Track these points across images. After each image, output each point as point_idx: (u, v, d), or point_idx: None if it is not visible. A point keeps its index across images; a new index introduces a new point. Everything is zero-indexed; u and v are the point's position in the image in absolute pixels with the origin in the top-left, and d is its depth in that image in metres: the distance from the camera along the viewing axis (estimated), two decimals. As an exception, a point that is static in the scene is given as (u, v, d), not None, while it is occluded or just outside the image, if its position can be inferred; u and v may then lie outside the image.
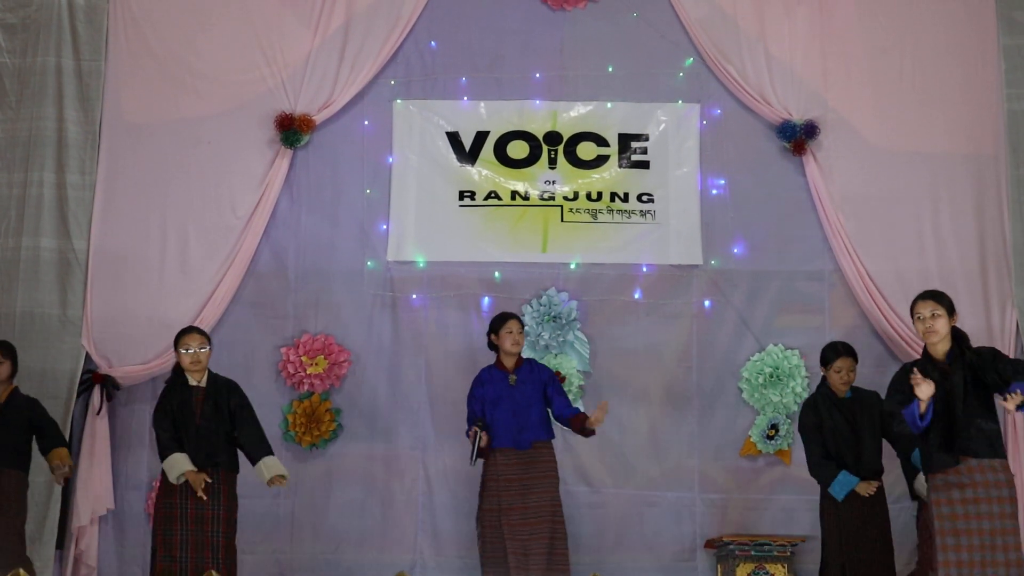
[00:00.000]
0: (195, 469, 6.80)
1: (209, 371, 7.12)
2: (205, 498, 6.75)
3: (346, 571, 7.95)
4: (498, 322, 7.52)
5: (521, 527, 7.18)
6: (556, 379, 7.53)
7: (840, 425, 7.12)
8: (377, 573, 7.81)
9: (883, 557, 7.05)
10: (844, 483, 6.98)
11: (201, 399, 6.99)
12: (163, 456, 6.88)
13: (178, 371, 7.10)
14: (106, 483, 7.88)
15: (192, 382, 7.03)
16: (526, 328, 8.18)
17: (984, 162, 8.28)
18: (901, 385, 6.16)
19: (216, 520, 6.84)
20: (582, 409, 7.59)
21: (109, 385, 7.91)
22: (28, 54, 8.34)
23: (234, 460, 7.02)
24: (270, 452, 7.03)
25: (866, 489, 6.97)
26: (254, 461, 6.98)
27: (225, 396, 7.06)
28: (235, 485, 6.98)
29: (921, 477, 7.12)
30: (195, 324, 7.97)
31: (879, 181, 8.26)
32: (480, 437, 7.15)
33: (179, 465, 6.80)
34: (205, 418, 6.93)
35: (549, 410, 7.44)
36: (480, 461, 7.28)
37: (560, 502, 7.33)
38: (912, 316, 6.29)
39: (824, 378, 7.32)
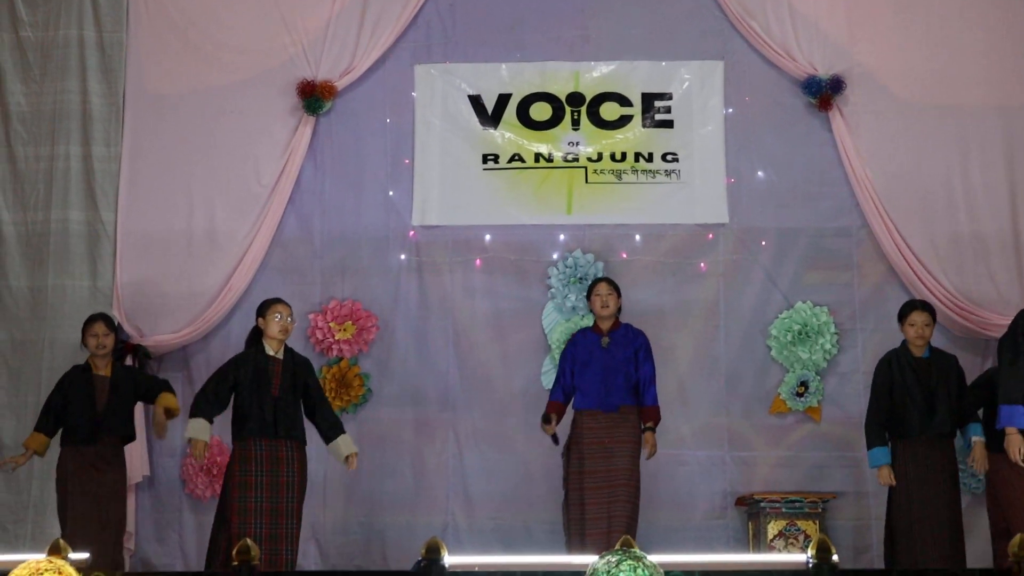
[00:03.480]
0: (207, 442, 6.94)
1: (285, 344, 7.16)
2: (203, 461, 7.17)
3: (378, 534, 8.01)
4: (590, 287, 7.56)
5: (604, 490, 7.16)
6: (648, 346, 7.44)
7: (912, 385, 7.05)
8: (409, 535, 7.84)
9: (952, 517, 6.99)
10: (874, 457, 7.08)
11: (279, 370, 7.02)
12: (194, 414, 6.94)
13: (252, 341, 7.14)
14: (141, 451, 7.94)
15: (270, 351, 7.06)
16: (552, 290, 8.20)
17: (1014, 113, 8.18)
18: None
19: (291, 487, 6.90)
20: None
21: (141, 354, 7.97)
22: (50, 27, 8.37)
23: (304, 432, 7.09)
24: (344, 431, 7.16)
25: (886, 478, 7.01)
26: (329, 440, 7.10)
27: (303, 373, 7.12)
28: (305, 455, 7.05)
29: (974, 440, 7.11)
30: (225, 292, 8.05)
31: (907, 135, 8.19)
32: (554, 437, 7.31)
33: (200, 431, 6.89)
34: (283, 390, 6.98)
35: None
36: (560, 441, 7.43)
37: (638, 468, 7.28)
38: None
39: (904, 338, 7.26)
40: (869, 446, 7.12)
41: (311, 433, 7.18)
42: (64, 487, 7.20)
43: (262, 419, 6.88)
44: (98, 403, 7.27)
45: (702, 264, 8.27)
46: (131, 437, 7.46)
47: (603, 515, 7.13)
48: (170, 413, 7.32)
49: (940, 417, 7.02)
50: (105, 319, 7.49)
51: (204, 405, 6.95)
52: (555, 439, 7.33)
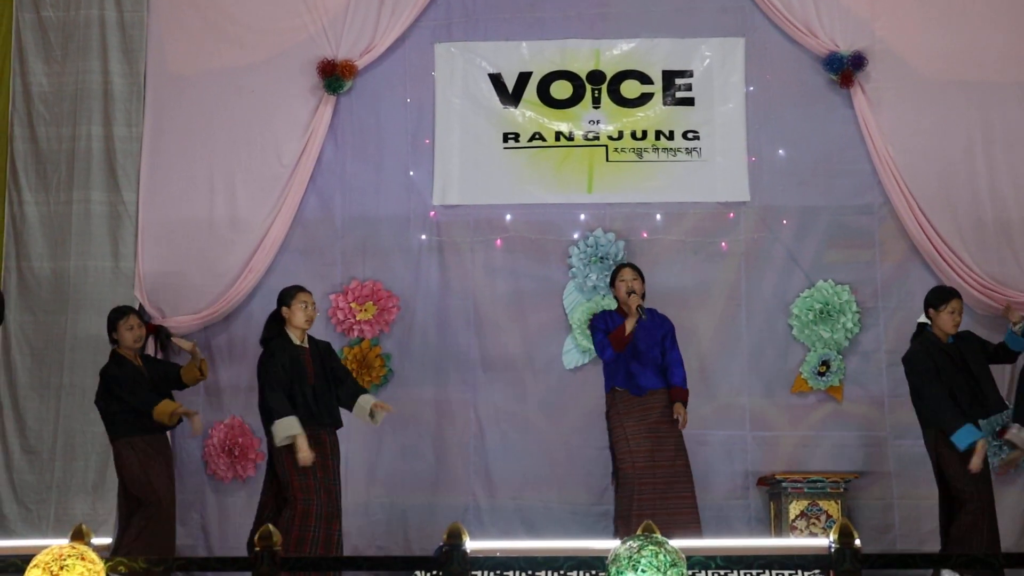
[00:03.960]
0: (304, 433, 6.80)
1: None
2: (310, 461, 6.82)
3: (400, 514, 8.04)
4: (614, 273, 7.53)
5: (648, 471, 7.15)
6: (674, 332, 7.46)
7: (953, 372, 6.99)
8: (431, 516, 7.91)
9: (992, 497, 6.97)
10: (968, 434, 6.78)
11: (309, 359, 7.05)
12: (276, 416, 6.80)
13: (275, 330, 7.09)
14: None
15: (295, 341, 7.06)
16: (573, 270, 8.18)
17: (1037, 90, 8.12)
18: None
19: (336, 471, 6.97)
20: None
21: (163, 336, 8.00)
22: (72, 7, 8.39)
23: (340, 416, 7.14)
24: (366, 391, 7.22)
25: (979, 460, 6.79)
26: (351, 405, 7.09)
27: (328, 357, 7.16)
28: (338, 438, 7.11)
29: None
30: (246, 272, 8.06)
31: (929, 112, 8.13)
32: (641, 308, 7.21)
33: (292, 428, 6.78)
34: (318, 378, 7.00)
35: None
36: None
37: (683, 448, 7.30)
38: None
39: (922, 327, 7.21)
40: (955, 427, 6.79)
41: None
42: (144, 472, 7.14)
43: (306, 408, 6.89)
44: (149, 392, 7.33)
45: (723, 243, 8.24)
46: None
47: (649, 495, 7.11)
48: (203, 371, 7.48)
49: (990, 394, 7.00)
50: (136, 311, 7.54)
51: (280, 406, 6.81)
52: (640, 310, 7.24)
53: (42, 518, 7.81)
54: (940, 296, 7.18)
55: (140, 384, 7.26)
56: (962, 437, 6.80)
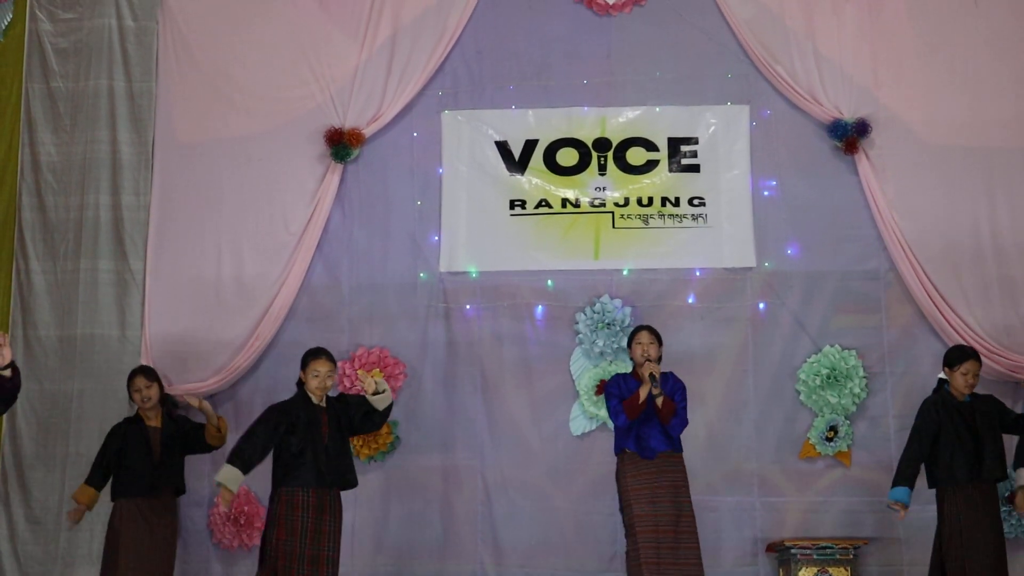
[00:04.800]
0: (235, 494, 6.85)
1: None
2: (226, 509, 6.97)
3: (407, 584, 8.02)
4: (631, 335, 7.46)
5: (652, 534, 7.07)
6: (684, 393, 7.36)
7: (961, 430, 7.01)
8: (438, 585, 7.89)
9: (998, 564, 6.92)
10: (898, 493, 7.05)
11: (326, 419, 7.06)
12: (232, 460, 6.82)
13: (298, 388, 7.17)
14: (169, 501, 7.96)
15: (314, 401, 7.10)
16: (580, 336, 8.18)
17: (1042, 155, 8.17)
18: None
19: (331, 535, 6.92)
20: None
21: (169, 404, 7.97)
22: (80, 78, 8.45)
23: (355, 476, 7.14)
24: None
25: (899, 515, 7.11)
26: (371, 408, 7.18)
27: (344, 412, 7.16)
28: (341, 502, 7.07)
29: None
30: (253, 340, 8.05)
31: (934, 178, 8.16)
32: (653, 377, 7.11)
33: (232, 480, 6.79)
34: (331, 438, 7.01)
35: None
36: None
37: (691, 512, 7.18)
38: None
39: (942, 382, 7.24)
40: (897, 483, 7.06)
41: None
42: (116, 539, 7.17)
43: (316, 469, 6.90)
44: (154, 455, 7.31)
45: (730, 309, 8.24)
46: (183, 490, 7.51)
47: (654, 558, 7.03)
48: (220, 430, 7.45)
49: (989, 463, 6.98)
50: (144, 372, 7.53)
51: (246, 456, 6.85)
52: (653, 379, 7.13)
53: (47, 590, 7.79)
54: (956, 356, 7.21)
55: (131, 450, 7.24)
56: (894, 493, 7.04)
